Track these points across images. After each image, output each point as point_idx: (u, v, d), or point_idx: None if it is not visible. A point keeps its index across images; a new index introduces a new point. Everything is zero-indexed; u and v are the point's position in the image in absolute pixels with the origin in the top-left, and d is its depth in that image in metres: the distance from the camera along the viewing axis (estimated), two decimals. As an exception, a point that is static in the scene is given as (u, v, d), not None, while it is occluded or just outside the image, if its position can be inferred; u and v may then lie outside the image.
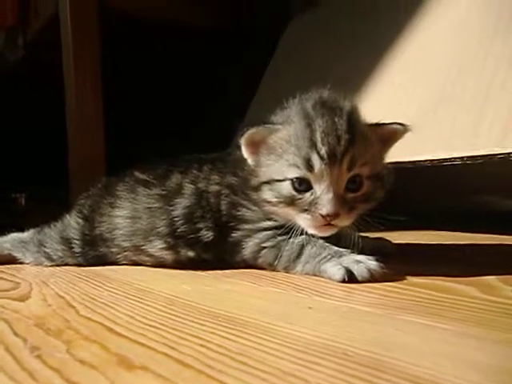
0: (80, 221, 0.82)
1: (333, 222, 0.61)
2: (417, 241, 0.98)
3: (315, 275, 0.64)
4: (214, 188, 0.73)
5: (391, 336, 0.39)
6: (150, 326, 0.44)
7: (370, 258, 0.60)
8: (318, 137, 0.60)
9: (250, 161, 0.67)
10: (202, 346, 0.38)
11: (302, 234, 0.65)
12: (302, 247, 0.65)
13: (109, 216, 0.79)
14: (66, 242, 0.81)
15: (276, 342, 0.38)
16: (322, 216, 0.60)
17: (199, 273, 0.71)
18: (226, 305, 0.51)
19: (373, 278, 0.58)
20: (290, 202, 0.63)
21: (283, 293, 0.57)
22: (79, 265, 0.81)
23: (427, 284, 0.56)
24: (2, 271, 0.79)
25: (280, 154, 0.63)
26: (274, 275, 0.66)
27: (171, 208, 0.73)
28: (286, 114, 0.66)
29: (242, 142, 0.66)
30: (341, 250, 0.63)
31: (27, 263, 0.84)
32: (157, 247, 0.74)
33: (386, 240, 0.80)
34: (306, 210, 0.62)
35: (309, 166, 0.60)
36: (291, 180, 0.62)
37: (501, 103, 0.89)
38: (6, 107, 2.30)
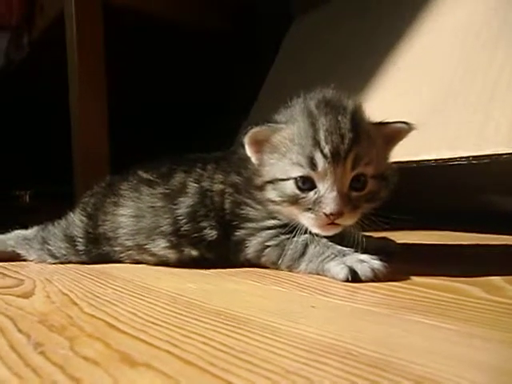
0: (84, 219, 0.82)
1: (337, 221, 0.60)
2: (421, 241, 0.98)
3: (318, 274, 0.64)
4: (218, 187, 0.73)
5: (395, 336, 0.39)
6: (154, 323, 0.44)
7: (373, 257, 0.60)
8: (322, 135, 0.60)
9: (253, 160, 0.67)
10: (205, 343, 0.38)
11: (305, 232, 0.65)
12: (305, 246, 0.65)
13: (112, 215, 0.79)
14: (70, 239, 0.82)
15: (280, 340, 0.38)
16: (326, 215, 0.60)
17: (203, 271, 0.71)
18: (230, 303, 0.51)
19: (376, 277, 0.58)
20: (294, 201, 0.62)
21: (286, 292, 0.57)
22: (82, 262, 0.81)
23: (431, 284, 0.56)
24: (6, 268, 0.79)
25: (283, 153, 0.63)
26: (277, 274, 0.66)
27: (175, 207, 0.73)
28: (290, 113, 0.66)
29: (246, 140, 0.66)
30: (344, 249, 0.63)
31: (31, 260, 0.84)
32: (160, 246, 0.74)
33: (390, 239, 0.80)
34: (309, 209, 0.62)
35: (312, 164, 0.60)
36: (295, 179, 0.62)
37: (507, 103, 0.89)
38: (11, 105, 2.31)
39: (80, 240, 0.81)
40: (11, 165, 2.44)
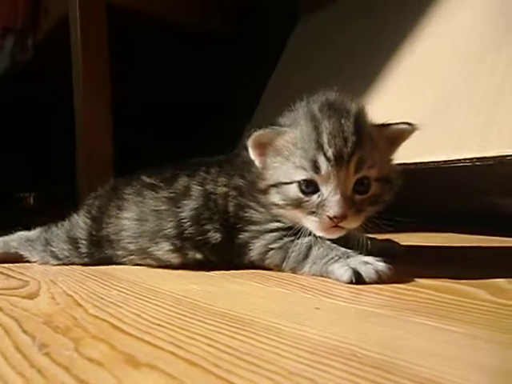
0: (88, 221, 0.82)
1: (340, 224, 0.60)
2: (425, 243, 0.98)
3: (322, 276, 0.63)
4: (222, 190, 0.73)
5: (400, 338, 0.39)
6: (158, 324, 0.44)
7: (377, 259, 0.60)
8: (325, 139, 0.60)
9: (257, 163, 0.67)
10: (209, 345, 0.38)
11: (309, 235, 0.65)
12: (309, 248, 0.65)
13: (116, 218, 0.79)
14: (73, 241, 0.82)
15: (284, 342, 0.38)
16: (330, 218, 0.60)
17: (207, 273, 0.71)
18: (234, 305, 0.51)
19: (380, 279, 0.58)
20: (298, 204, 0.62)
21: (290, 293, 0.57)
22: (85, 264, 0.81)
23: (436, 286, 0.56)
24: (11, 269, 0.80)
25: (287, 157, 0.63)
26: (280, 276, 0.66)
27: (179, 210, 0.73)
28: (293, 116, 0.66)
29: (249, 143, 0.66)
30: (348, 251, 0.63)
31: (33, 262, 0.85)
32: (164, 249, 0.74)
33: (394, 241, 0.80)
34: (313, 213, 0.61)
35: (315, 167, 0.60)
36: (298, 182, 0.62)
37: (511, 105, 0.89)
38: (16, 107, 2.33)
39: (83, 242, 0.81)
40: (15, 167, 2.45)
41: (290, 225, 0.67)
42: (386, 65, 1.23)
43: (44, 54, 1.79)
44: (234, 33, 1.79)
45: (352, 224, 0.62)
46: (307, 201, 0.62)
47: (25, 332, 0.43)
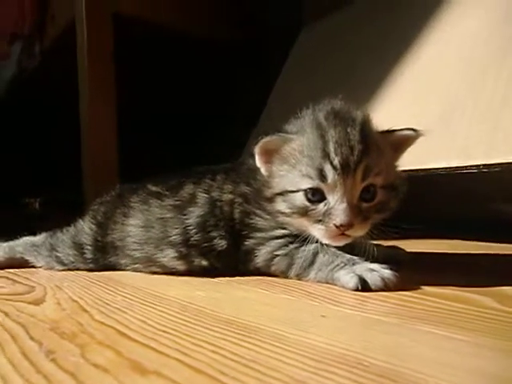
0: (93, 227, 0.83)
1: (347, 232, 0.60)
2: (431, 249, 0.97)
3: (328, 283, 0.63)
4: (228, 197, 0.73)
5: (406, 346, 0.39)
6: (163, 331, 0.44)
7: (383, 266, 0.60)
8: (331, 147, 0.60)
9: (263, 170, 0.67)
10: (214, 352, 0.38)
11: (315, 242, 0.64)
12: (314, 255, 0.65)
13: (122, 224, 0.79)
14: (78, 247, 0.82)
15: (289, 349, 0.38)
16: (336, 226, 0.60)
17: (212, 279, 0.71)
18: (239, 311, 0.51)
19: (386, 286, 0.58)
20: (304, 212, 0.63)
21: (296, 300, 0.56)
22: (90, 270, 0.82)
23: (442, 294, 0.56)
24: (16, 274, 0.80)
25: (293, 165, 0.63)
26: (286, 282, 0.66)
27: (185, 217, 0.73)
28: (300, 124, 0.66)
29: (256, 150, 0.66)
30: (354, 257, 0.63)
31: (39, 267, 0.85)
32: (169, 256, 0.74)
33: (400, 248, 0.80)
34: (319, 221, 0.62)
35: (322, 176, 0.60)
36: (304, 191, 0.62)
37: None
38: (22, 112, 2.34)
39: (88, 248, 0.81)
40: (21, 171, 2.47)
41: (295, 232, 0.67)
42: (390, 72, 1.23)
43: (51, 60, 1.81)
44: (239, 40, 1.79)
45: (358, 232, 0.62)
46: (313, 209, 0.62)
47: (31, 338, 0.43)
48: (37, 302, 0.58)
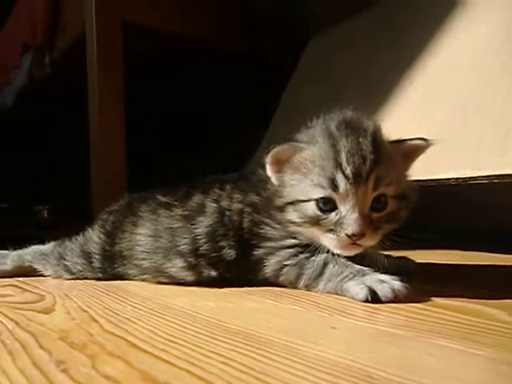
0: (102, 236, 0.83)
1: (358, 242, 0.60)
2: (442, 260, 0.96)
3: (337, 294, 0.63)
4: (237, 206, 0.73)
5: (417, 359, 0.38)
6: (173, 342, 0.44)
7: (394, 277, 0.59)
8: (343, 157, 0.60)
9: (273, 180, 0.67)
10: (224, 363, 0.38)
11: (326, 252, 0.64)
12: (324, 265, 0.64)
13: (130, 233, 0.79)
14: (87, 256, 0.82)
15: (299, 361, 0.38)
16: (348, 236, 0.59)
17: (221, 289, 0.70)
18: (249, 322, 0.50)
19: (397, 298, 0.57)
20: (315, 222, 0.62)
21: (306, 311, 0.56)
22: (99, 279, 0.82)
23: (454, 306, 0.55)
24: (26, 283, 0.80)
25: (304, 174, 0.63)
26: (295, 293, 0.66)
27: (193, 227, 0.73)
28: (311, 134, 0.66)
29: (268, 159, 0.66)
30: (364, 268, 0.62)
31: (47, 275, 0.85)
32: (177, 266, 0.74)
33: (409, 259, 0.79)
34: (331, 230, 0.61)
35: (334, 185, 0.60)
36: (316, 200, 0.62)
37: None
38: (32, 121, 2.37)
39: (96, 257, 0.82)
40: (30, 180, 2.49)
41: (305, 242, 0.66)
42: (400, 80, 1.23)
43: (61, 70, 1.83)
44: (248, 46, 1.80)
45: (370, 242, 0.61)
46: (325, 218, 0.61)
47: (41, 347, 0.43)
48: (46, 311, 0.58)
